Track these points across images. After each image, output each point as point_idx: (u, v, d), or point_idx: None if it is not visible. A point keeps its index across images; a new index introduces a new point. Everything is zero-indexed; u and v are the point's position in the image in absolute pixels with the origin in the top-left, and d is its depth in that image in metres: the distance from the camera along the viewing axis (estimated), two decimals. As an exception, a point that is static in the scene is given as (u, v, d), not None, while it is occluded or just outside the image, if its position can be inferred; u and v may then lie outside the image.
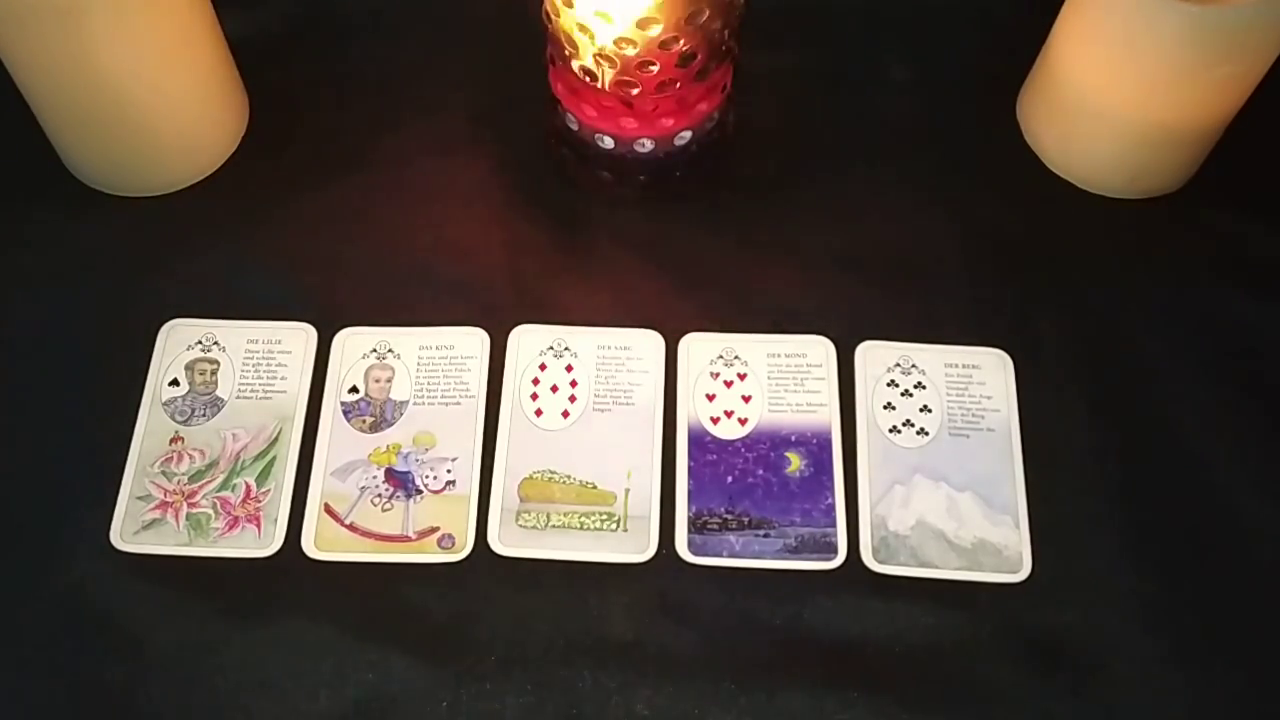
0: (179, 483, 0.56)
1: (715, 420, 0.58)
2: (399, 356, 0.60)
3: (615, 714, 0.51)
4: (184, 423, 0.58)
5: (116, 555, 0.55)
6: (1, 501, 0.56)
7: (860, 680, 0.52)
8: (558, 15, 0.56)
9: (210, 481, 0.56)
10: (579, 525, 0.55)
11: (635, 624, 0.53)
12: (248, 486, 0.56)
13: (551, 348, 0.60)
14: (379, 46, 0.70)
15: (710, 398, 0.59)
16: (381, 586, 0.54)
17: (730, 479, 0.57)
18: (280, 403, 0.58)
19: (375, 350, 0.60)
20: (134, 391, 0.58)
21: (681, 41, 0.55)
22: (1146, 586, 0.54)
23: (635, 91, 0.57)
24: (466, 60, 0.69)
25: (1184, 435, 0.58)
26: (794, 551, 0.55)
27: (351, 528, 0.55)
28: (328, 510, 0.56)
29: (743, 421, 0.58)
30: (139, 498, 0.56)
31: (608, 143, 0.61)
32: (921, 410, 0.58)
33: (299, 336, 0.60)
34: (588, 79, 0.58)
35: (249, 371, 0.59)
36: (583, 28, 0.55)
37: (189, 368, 0.59)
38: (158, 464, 0.57)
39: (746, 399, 0.59)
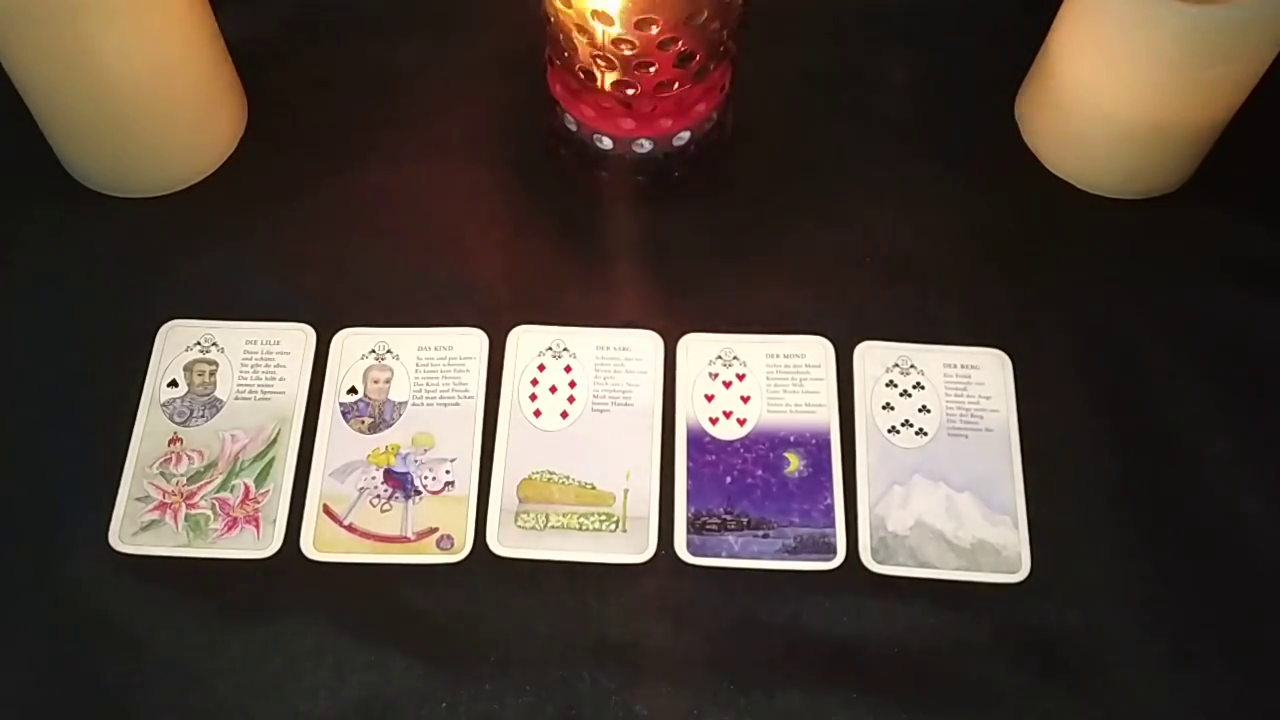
0: (178, 484, 0.56)
1: (714, 421, 0.58)
2: (398, 357, 0.60)
3: (614, 714, 0.51)
4: (183, 424, 0.58)
5: (115, 556, 0.55)
6: (0, 502, 0.56)
7: (859, 680, 0.52)
8: (556, 16, 0.56)
9: (209, 482, 0.56)
10: (578, 526, 0.55)
11: (634, 624, 0.53)
12: (246, 487, 0.56)
13: (550, 348, 0.60)
14: (379, 46, 0.70)
15: (709, 398, 0.59)
16: (380, 587, 0.54)
17: (729, 479, 0.57)
18: (279, 404, 0.58)
19: (374, 351, 0.60)
20: (132, 392, 0.58)
21: (680, 42, 0.55)
22: (1145, 586, 0.54)
23: (634, 92, 0.57)
24: (466, 60, 0.69)
25: (1183, 435, 0.58)
26: (793, 552, 0.55)
27: (350, 528, 0.55)
28: (326, 511, 0.56)
29: (741, 422, 0.58)
30: (138, 499, 0.56)
31: (606, 143, 0.61)
32: (920, 410, 0.58)
33: (298, 337, 0.60)
34: (586, 79, 0.58)
35: (248, 372, 0.59)
36: (581, 28, 0.55)
37: (188, 369, 0.59)
38: (156, 465, 0.57)
39: (745, 399, 0.58)
